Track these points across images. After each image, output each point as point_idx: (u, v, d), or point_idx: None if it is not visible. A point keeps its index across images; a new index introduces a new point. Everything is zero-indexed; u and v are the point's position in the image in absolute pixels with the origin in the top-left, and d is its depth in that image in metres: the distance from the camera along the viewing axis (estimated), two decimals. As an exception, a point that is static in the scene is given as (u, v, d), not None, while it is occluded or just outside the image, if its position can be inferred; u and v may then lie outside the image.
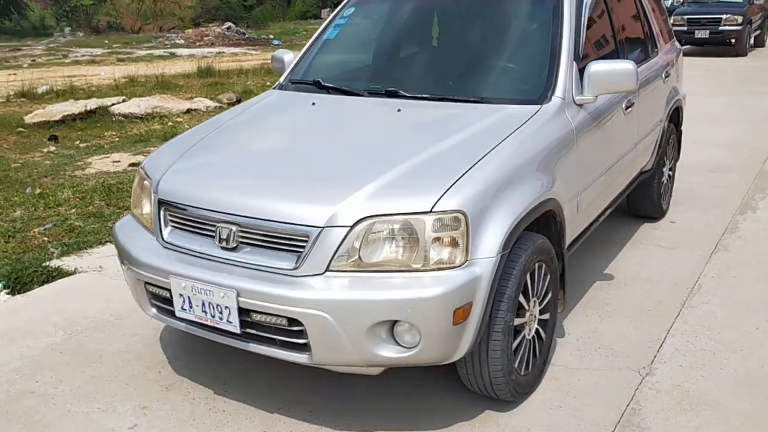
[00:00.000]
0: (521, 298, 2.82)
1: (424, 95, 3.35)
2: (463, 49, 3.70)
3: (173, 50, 25.52)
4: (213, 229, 2.70)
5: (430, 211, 2.48)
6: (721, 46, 17.00)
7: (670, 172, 5.27)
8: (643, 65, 4.35)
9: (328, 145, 3.07)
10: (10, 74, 17.00)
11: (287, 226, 2.54)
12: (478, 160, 2.71)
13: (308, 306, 2.45)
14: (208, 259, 2.70)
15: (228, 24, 32.68)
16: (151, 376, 3.23)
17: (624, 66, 3.25)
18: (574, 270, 4.22)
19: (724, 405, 2.91)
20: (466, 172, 2.63)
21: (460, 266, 2.51)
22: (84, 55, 23.74)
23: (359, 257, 2.50)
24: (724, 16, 16.65)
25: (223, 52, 24.13)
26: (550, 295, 3.09)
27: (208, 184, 2.82)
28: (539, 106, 3.16)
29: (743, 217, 5.19)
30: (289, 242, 2.55)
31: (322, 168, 2.81)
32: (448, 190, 2.53)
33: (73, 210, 5.93)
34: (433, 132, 2.98)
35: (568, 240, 3.34)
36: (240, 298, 2.55)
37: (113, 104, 11.32)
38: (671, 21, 16.99)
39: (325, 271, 2.50)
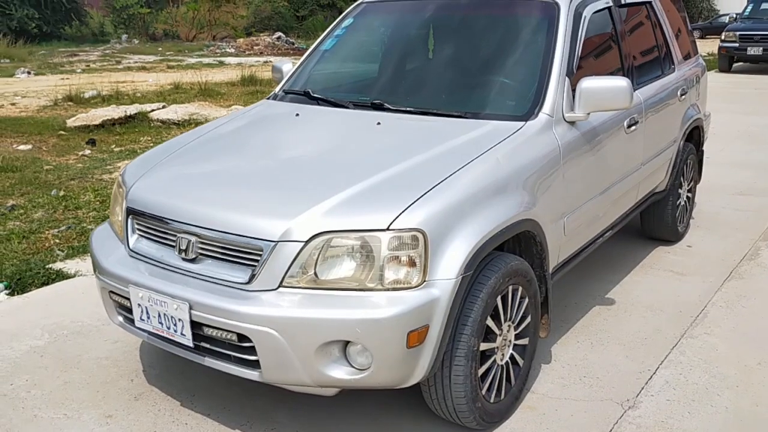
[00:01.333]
0: (491, 322, 2.70)
1: (407, 109, 3.28)
2: (453, 63, 3.61)
3: (222, 59, 26.00)
4: (174, 239, 2.67)
5: (387, 229, 2.40)
6: (775, 63, 16.41)
7: (689, 194, 5.05)
8: (654, 83, 4.18)
9: (299, 157, 3.02)
10: (62, 78, 17.56)
11: (242, 239, 2.49)
12: (446, 177, 2.61)
13: (257, 322, 2.39)
14: (168, 269, 2.68)
15: (278, 34, 33.18)
16: (123, 385, 3.22)
17: (617, 83, 3.10)
18: (573, 293, 4.09)
19: (708, 446, 2.73)
20: (431, 189, 2.54)
21: (416, 287, 2.41)
22: (136, 62, 24.37)
23: (315, 274, 2.44)
24: (779, 33, 16.05)
25: (270, 61, 24.40)
26: (528, 319, 2.95)
27: (172, 193, 2.80)
28: (524, 122, 3.05)
29: (766, 243, 4.93)
30: (245, 256, 2.50)
31: (287, 181, 2.76)
32: (408, 207, 2.44)
33: (91, 213, 6.03)
34: (408, 147, 2.90)
35: (553, 263, 3.21)
36: (192, 311, 2.51)
37: (152, 110, 11.56)
38: (722, 36, 16.61)
39: (279, 286, 2.44)
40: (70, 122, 10.68)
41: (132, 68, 22.08)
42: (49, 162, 8.31)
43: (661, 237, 4.87)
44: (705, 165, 6.77)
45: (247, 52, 28.91)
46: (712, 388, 3.12)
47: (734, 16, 19.34)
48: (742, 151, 7.99)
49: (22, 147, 9.04)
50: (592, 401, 3.03)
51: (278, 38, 31.74)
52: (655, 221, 4.76)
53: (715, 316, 3.82)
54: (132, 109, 11.37)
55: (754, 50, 16.36)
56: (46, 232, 5.47)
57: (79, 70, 20.77)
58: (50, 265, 4.66)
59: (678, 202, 4.79)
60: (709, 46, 22.82)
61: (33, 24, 33.00)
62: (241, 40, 32.16)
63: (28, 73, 19.48)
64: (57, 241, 5.26)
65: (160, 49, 30.39)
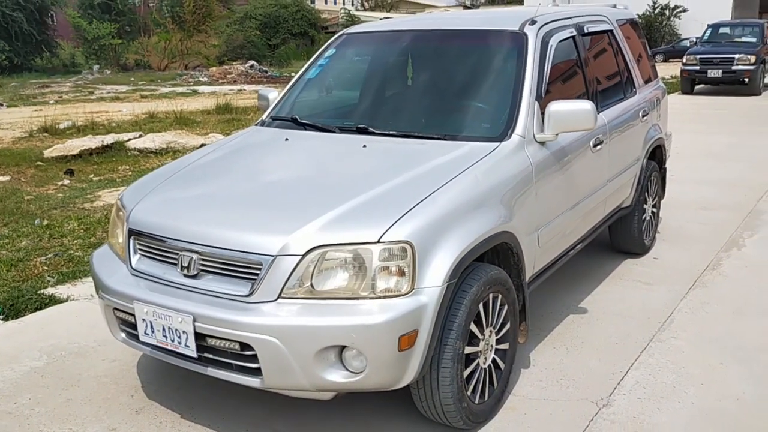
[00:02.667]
0: (474, 328, 2.91)
1: (390, 132, 3.51)
2: (431, 90, 3.87)
3: (196, 87, 26.15)
4: (176, 257, 2.85)
5: (378, 242, 2.61)
6: (734, 85, 17.06)
7: (654, 209, 5.34)
8: (617, 105, 4.48)
9: (292, 178, 3.23)
10: (35, 110, 17.58)
11: (243, 254, 2.68)
12: (430, 194, 2.83)
13: (259, 331, 2.58)
14: (170, 285, 2.85)
15: (251, 62, 33.47)
16: (124, 400, 3.36)
17: (582, 106, 3.37)
18: (549, 303, 4.32)
19: (676, 437, 2.96)
20: (417, 205, 2.76)
21: (406, 294, 2.62)
22: (109, 92, 24.42)
23: (311, 285, 2.63)
24: (736, 56, 16.74)
25: (244, 90, 24.66)
26: (508, 325, 3.17)
27: (174, 215, 2.99)
28: (498, 143, 3.29)
29: (728, 254, 5.23)
30: (245, 270, 2.69)
31: (282, 200, 2.97)
32: (396, 222, 2.66)
33: (77, 241, 6.14)
34: (393, 167, 3.12)
35: (529, 273, 3.44)
36: (196, 323, 2.68)
37: (129, 139, 11.66)
38: (684, 60, 17.24)
39: (278, 297, 2.63)
40: (48, 153, 10.74)
41: (105, 98, 22.13)
42: (30, 192, 8.38)
43: (629, 250, 5.14)
44: (670, 182, 7.11)
45: (220, 81, 29.10)
46: (679, 386, 3.36)
47: (694, 40, 20.08)
48: (704, 168, 8.37)
49: (0, 178, 9.09)
50: (569, 401, 3.25)
51: (251, 66, 32.02)
52: (623, 235, 5.04)
53: (680, 321, 4.08)
54: (109, 139, 11.46)
55: (714, 73, 17.02)
56: (35, 259, 5.57)
57: (52, 102, 20.77)
58: (42, 291, 4.77)
59: (644, 217, 5.08)
60: (672, 70, 23.61)
61: (3, 56, 32.92)
62: (214, 68, 32.36)
63: (1, 105, 19.44)
64: (46, 268, 5.36)
65: (133, 79, 30.45)
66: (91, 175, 9.49)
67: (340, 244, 2.63)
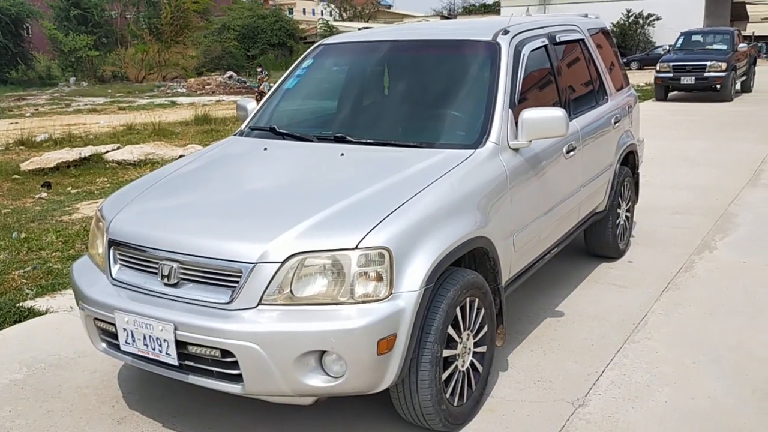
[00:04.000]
0: (452, 331, 2.97)
1: (368, 141, 3.57)
2: (407, 99, 3.94)
3: (174, 99, 26.09)
4: (156, 266, 2.88)
5: (356, 248, 2.66)
6: (706, 91, 17.37)
7: (628, 214, 5.45)
8: (590, 112, 4.58)
9: (271, 187, 3.28)
10: (11, 123, 17.42)
11: (223, 262, 2.72)
12: (407, 201, 2.89)
13: (239, 338, 2.61)
14: (151, 294, 2.87)
15: (229, 73, 33.49)
16: (105, 411, 3.36)
17: (554, 113, 3.45)
18: (526, 307, 4.39)
19: (649, 435, 3.03)
20: (393, 211, 2.81)
21: (384, 299, 2.67)
22: (86, 104, 24.27)
23: (291, 291, 2.67)
24: (708, 63, 17.05)
25: (223, 100, 24.66)
26: (485, 328, 3.23)
27: (153, 225, 3.02)
28: (473, 150, 3.37)
29: (700, 256, 5.35)
30: (225, 278, 2.73)
31: (261, 208, 3.01)
32: (374, 228, 2.71)
33: (55, 253, 6.11)
34: (370, 174, 3.18)
35: (506, 277, 3.51)
36: (177, 331, 2.71)
37: (107, 151, 11.61)
38: (657, 67, 17.54)
39: (258, 304, 2.67)
40: (24, 166, 10.66)
41: (82, 111, 22.00)
42: (6, 206, 8.32)
43: (604, 254, 5.24)
44: (645, 187, 7.26)
45: (198, 92, 29.07)
46: (653, 385, 3.44)
47: (667, 48, 20.43)
48: (678, 174, 8.53)
49: (-24, 192, 9.02)
50: (545, 402, 3.31)
51: (230, 77, 32.03)
52: (598, 239, 5.13)
53: (654, 322, 4.17)
54: (86, 151, 11.40)
55: (687, 79, 17.33)
56: (12, 272, 5.54)
57: (28, 114, 20.60)
58: (21, 304, 4.75)
59: (618, 222, 5.18)
60: (646, 77, 24.00)
61: (-23, 69, 32.60)
62: (192, 80, 32.33)
63: (-24, 118, 19.23)
64: (25, 281, 5.34)
65: (110, 90, 30.30)
66: (69, 188, 9.44)
67: (318, 250, 2.67)
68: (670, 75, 17.46)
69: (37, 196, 8.89)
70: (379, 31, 4.59)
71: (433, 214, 2.91)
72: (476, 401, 3.22)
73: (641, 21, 43.26)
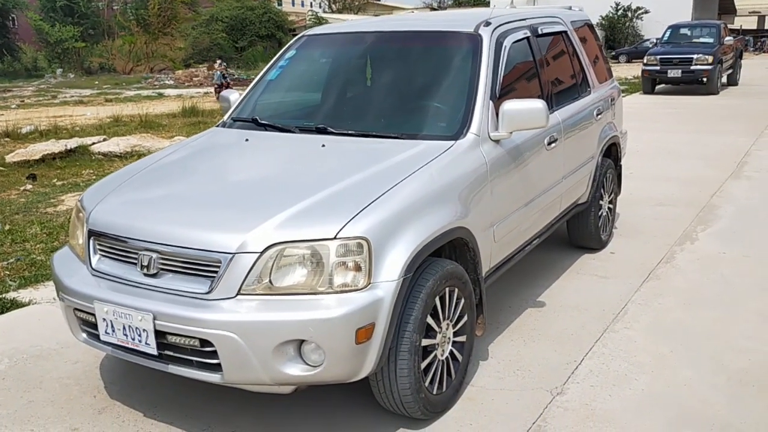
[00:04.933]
0: (431, 321, 2.99)
1: (349, 132, 3.58)
2: (389, 90, 3.95)
3: (162, 90, 25.97)
4: (136, 256, 2.89)
5: (335, 238, 2.67)
6: (693, 84, 17.47)
7: (611, 205, 5.49)
8: (572, 104, 4.60)
9: (252, 177, 3.29)
10: (-4, 115, 17.29)
11: (202, 252, 2.73)
12: (386, 191, 2.91)
13: (218, 327, 2.62)
14: (131, 285, 2.88)
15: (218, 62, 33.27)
16: (86, 401, 3.37)
17: (534, 105, 3.47)
18: (507, 297, 4.43)
19: (626, 422, 3.07)
20: (373, 201, 2.83)
21: (362, 289, 2.69)
22: (73, 96, 24.12)
23: (270, 281, 2.69)
24: (695, 56, 17.15)
25: (210, 92, 24.52)
26: (465, 318, 3.26)
27: (133, 215, 3.02)
28: (453, 141, 3.39)
29: (681, 248, 5.40)
30: (204, 268, 2.74)
31: (241, 199, 3.02)
32: (353, 218, 2.73)
33: (39, 245, 6.09)
34: (350, 165, 3.19)
35: (486, 267, 3.54)
36: (156, 321, 2.72)
37: (93, 143, 11.55)
38: (645, 60, 17.61)
39: (237, 294, 2.68)
40: (9, 158, 10.60)
41: (69, 102, 21.87)
42: (-9, 198, 8.28)
43: (587, 245, 5.28)
44: (629, 179, 7.33)
45: (186, 84, 28.93)
46: (631, 374, 3.49)
47: (655, 41, 20.51)
48: (663, 166, 8.59)
49: (-40, 184, 8.96)
50: (524, 390, 3.35)
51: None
52: (580, 230, 5.17)
53: (633, 312, 4.22)
54: (72, 143, 11.34)
55: (673, 72, 17.43)
56: (-5, 264, 5.52)
57: (14, 106, 20.45)
58: (3, 295, 4.74)
59: (600, 213, 5.22)
60: (635, 70, 24.10)
61: (-38, 60, 32.27)
62: (180, 71, 32.15)
63: (-40, 109, 19.06)
64: (8, 272, 5.32)
65: (97, 82, 30.11)
66: (54, 180, 9.39)
67: (297, 240, 2.69)
68: (657, 68, 17.55)
69: (21, 188, 8.84)
70: (363, 23, 4.60)
71: (413, 204, 2.93)
72: (456, 390, 3.25)
73: (630, 14, 43.39)
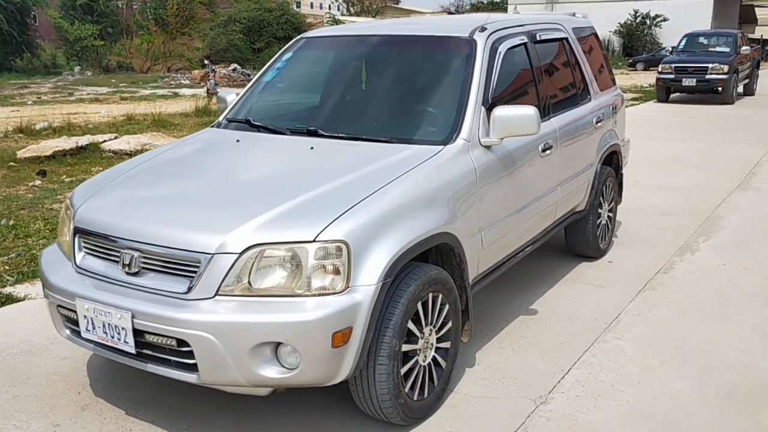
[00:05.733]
0: (412, 326, 2.97)
1: (339, 135, 3.58)
2: (382, 94, 3.95)
3: (177, 90, 26.13)
4: (118, 254, 2.90)
5: (314, 241, 2.67)
6: (708, 93, 17.32)
7: (610, 214, 5.44)
8: (569, 111, 4.57)
9: (237, 178, 3.30)
10: (12, 110, 17.49)
11: (181, 252, 2.73)
12: (368, 195, 2.90)
13: (194, 327, 2.62)
14: (112, 283, 2.89)
15: (234, 65, 33.46)
16: (70, 397, 3.39)
17: (525, 111, 3.45)
18: (500, 304, 4.40)
19: (608, 433, 3.04)
20: (354, 205, 2.82)
21: (340, 292, 2.68)
22: (89, 94, 24.33)
23: (249, 283, 2.68)
24: (710, 65, 16.99)
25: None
26: (449, 324, 3.24)
27: (117, 213, 3.03)
28: (442, 146, 3.37)
29: (681, 258, 5.34)
30: (184, 267, 2.74)
31: (224, 199, 3.02)
32: (333, 221, 2.72)
33: (41, 241, 6.14)
34: (336, 169, 3.18)
35: (473, 273, 3.51)
36: (134, 320, 2.73)
37: (104, 141, 11.65)
38: (659, 68, 17.48)
39: (215, 295, 2.68)
40: (21, 153, 10.70)
41: (84, 100, 22.06)
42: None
43: (584, 253, 5.24)
44: (634, 188, 7.28)
45: (202, 84, 29.02)
46: (617, 384, 3.45)
47: (670, 49, 20.35)
48: (669, 175, 8.52)
49: (-29, 179, 9.06)
50: (508, 399, 3.32)
51: (234, 70, 31.99)
52: (578, 239, 5.13)
53: (626, 322, 4.17)
54: (83, 140, 11.44)
55: (688, 81, 17.27)
56: (-4, 259, 5.57)
57: (30, 102, 20.67)
58: (0, 290, 4.78)
59: (599, 221, 5.18)
60: (651, 78, 23.89)
61: (-17, 56, 32.69)
62: (196, 71, 32.32)
63: (-22, 105, 19.29)
64: (6, 267, 5.37)
65: (114, 80, 30.37)
66: (64, 176, 9.47)
67: (277, 242, 2.68)
68: (672, 76, 17.40)
69: (30, 183, 8.92)
70: (361, 26, 4.59)
71: (396, 209, 2.92)
72: (438, 396, 3.23)
73: (648, 22, 43.09)
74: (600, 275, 4.98)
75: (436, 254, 3.29)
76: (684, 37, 19.59)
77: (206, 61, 22.49)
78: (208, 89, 20.39)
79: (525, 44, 4.20)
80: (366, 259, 2.74)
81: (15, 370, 3.67)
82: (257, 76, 4.44)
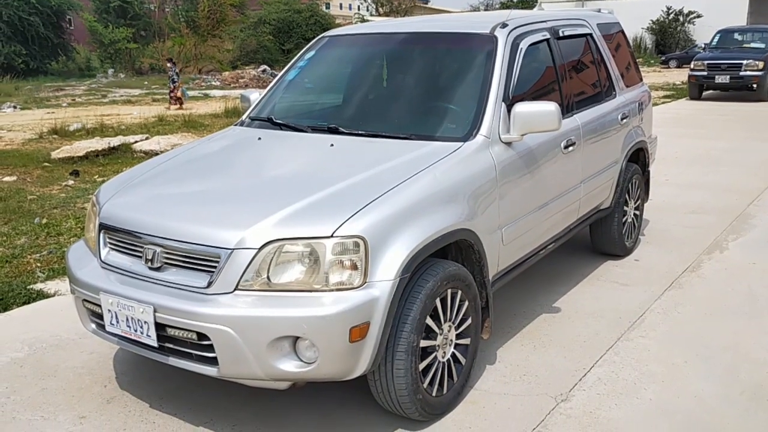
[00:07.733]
0: (431, 322, 2.98)
1: (359, 132, 3.59)
2: (403, 91, 3.96)
3: (207, 91, 26.42)
4: (141, 250, 2.95)
5: (331, 236, 2.69)
6: (742, 91, 16.98)
7: (637, 212, 5.37)
8: (593, 108, 4.52)
9: (258, 175, 3.34)
10: (48, 112, 17.87)
11: (202, 247, 2.77)
12: (387, 191, 2.91)
13: (214, 321, 2.67)
14: (136, 277, 2.95)
15: (263, 67, 33.75)
16: (96, 390, 3.46)
17: (546, 107, 3.43)
18: (522, 302, 4.38)
19: (629, 432, 3.01)
20: (372, 201, 2.84)
21: (358, 287, 2.70)
22: (122, 96, 24.74)
23: (267, 278, 2.72)
24: (744, 62, 16.67)
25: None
26: (469, 321, 3.23)
27: (140, 209, 3.09)
28: (462, 143, 3.37)
29: (709, 257, 5.25)
30: (204, 262, 2.78)
31: (244, 196, 3.06)
32: (350, 217, 2.74)
33: (72, 239, 6.27)
34: (355, 165, 3.20)
35: (493, 270, 3.50)
36: (156, 314, 2.78)
37: (135, 142, 11.85)
38: (692, 65, 17.18)
39: (235, 289, 2.72)
40: (55, 154, 10.94)
41: (117, 102, 22.43)
42: (33, 192, 8.55)
43: (610, 251, 5.18)
44: (664, 186, 7.18)
45: (232, 85, 29.36)
46: (640, 383, 3.41)
47: (703, 45, 19.99)
48: (700, 173, 8.38)
49: (7, 178, 9.27)
50: (528, 396, 3.31)
51: (263, 71, 32.28)
52: (603, 237, 5.08)
53: (651, 321, 4.12)
54: (115, 141, 11.65)
55: (721, 78, 16.96)
56: (28, 256, 5.71)
57: (64, 104, 21.09)
58: (31, 286, 4.90)
59: (624, 219, 5.12)
60: (684, 75, 23.50)
61: (20, 60, 33.45)
62: (227, 73, 32.67)
63: (14, 107, 19.78)
64: (38, 264, 5.50)
65: (146, 82, 30.82)
66: (96, 176, 9.66)
67: (295, 238, 2.71)
68: (705, 73, 17.10)
69: (64, 183, 9.12)
70: (382, 24, 4.62)
71: (414, 205, 2.93)
72: (458, 392, 3.23)
73: (681, 18, 42.39)
74: (625, 273, 4.93)
75: (456, 251, 3.29)
76: (717, 33, 19.25)
77: (168, 64, 21.87)
78: (172, 94, 19.50)
79: (547, 40, 4.17)
80: (384, 254, 2.75)
81: (44, 363, 3.76)
82: (280, 75, 4.48)
